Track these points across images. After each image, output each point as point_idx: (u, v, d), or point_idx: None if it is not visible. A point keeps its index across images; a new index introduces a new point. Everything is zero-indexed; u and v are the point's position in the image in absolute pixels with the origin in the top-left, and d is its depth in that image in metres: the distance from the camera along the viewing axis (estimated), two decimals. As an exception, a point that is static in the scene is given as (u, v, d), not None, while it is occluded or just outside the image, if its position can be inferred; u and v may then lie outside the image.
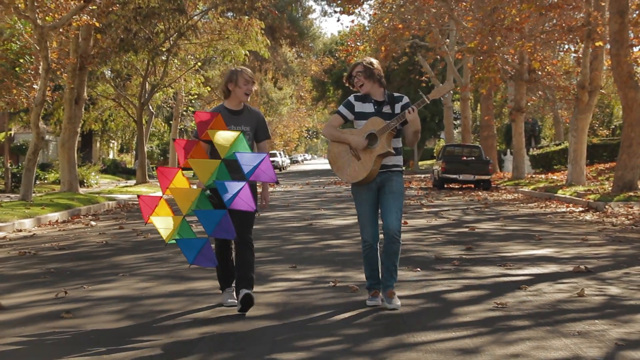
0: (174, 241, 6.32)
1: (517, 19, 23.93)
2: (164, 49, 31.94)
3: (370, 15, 40.39)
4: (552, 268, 8.75)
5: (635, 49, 22.65)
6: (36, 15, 19.47)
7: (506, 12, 24.10)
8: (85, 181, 32.61)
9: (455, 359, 4.99)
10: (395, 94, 6.83)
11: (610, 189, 20.17)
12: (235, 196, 6.06)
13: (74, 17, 20.07)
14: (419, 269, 8.64)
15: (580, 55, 25.00)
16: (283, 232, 13.47)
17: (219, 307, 6.74)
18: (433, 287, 7.61)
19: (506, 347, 5.27)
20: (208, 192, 6.32)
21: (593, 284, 7.64)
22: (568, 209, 17.98)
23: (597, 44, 22.82)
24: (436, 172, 29.71)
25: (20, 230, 15.06)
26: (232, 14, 36.31)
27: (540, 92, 33.01)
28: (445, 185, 29.41)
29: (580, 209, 17.93)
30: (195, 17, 32.58)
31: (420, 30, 32.89)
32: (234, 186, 6.10)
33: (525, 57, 28.81)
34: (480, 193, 25.51)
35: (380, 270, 6.71)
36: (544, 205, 19.57)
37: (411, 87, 47.64)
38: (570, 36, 25.83)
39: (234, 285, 6.74)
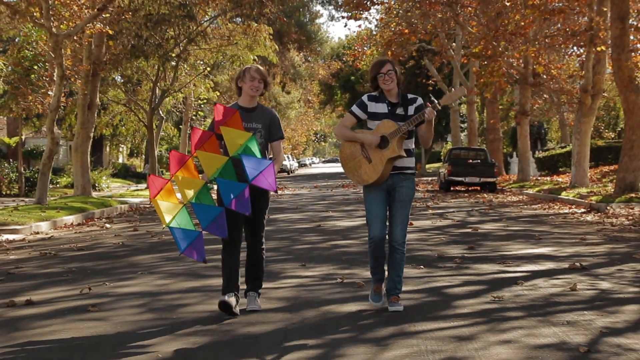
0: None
1: (522, 24, 24.37)
2: (174, 55, 32.43)
3: (377, 20, 40.88)
4: (548, 265, 9.20)
5: (636, 54, 23.00)
6: (51, 24, 20.02)
7: (510, 18, 24.52)
8: (97, 185, 33.15)
9: (451, 344, 5.46)
10: (410, 95, 6.79)
11: (612, 190, 20.58)
12: (235, 197, 6.20)
13: (87, 25, 20.61)
14: (422, 267, 9.10)
15: (584, 60, 25.44)
16: (292, 233, 13.94)
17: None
18: (434, 282, 8.07)
19: (499, 334, 5.74)
20: (211, 185, 6.48)
21: (586, 280, 8.09)
22: (570, 210, 18.40)
23: (599, 48, 23.24)
24: (442, 175, 30.15)
25: (38, 233, 15.56)
26: (240, 19, 36.80)
27: (545, 96, 33.41)
28: (452, 188, 29.85)
29: (582, 210, 18.35)
30: (205, 24, 33.07)
31: (426, 35, 33.34)
32: (235, 187, 6.24)
33: (530, 61, 29.23)
34: (485, 195, 25.95)
35: (386, 269, 6.81)
36: (547, 206, 19.99)
37: (418, 90, 48.05)
38: (574, 41, 26.26)
39: (229, 297, 6.50)
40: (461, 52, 37.66)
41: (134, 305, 7.17)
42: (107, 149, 57.82)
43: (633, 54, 20.88)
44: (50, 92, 22.83)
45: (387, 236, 6.76)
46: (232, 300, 6.46)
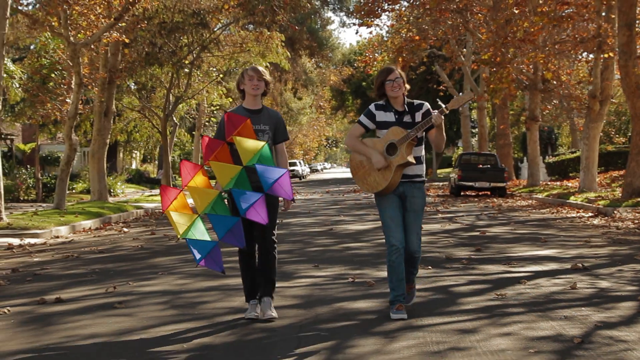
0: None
1: (532, 30, 24.72)
2: (187, 62, 32.90)
3: (387, 26, 41.31)
4: (552, 266, 9.59)
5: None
6: (69, 33, 20.54)
7: (519, 25, 24.89)
8: (112, 191, 33.65)
9: (455, 336, 5.86)
10: (415, 102, 6.78)
11: (620, 195, 20.91)
12: (250, 207, 6.17)
13: (104, 34, 21.12)
14: (430, 267, 9.50)
15: (592, 66, 25.80)
16: (305, 236, 14.36)
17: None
18: (441, 282, 8.46)
19: (500, 327, 6.15)
20: (225, 195, 6.48)
21: (586, 279, 8.48)
22: (578, 215, 18.76)
23: (606, 55, 23.60)
24: (453, 180, 30.53)
25: (58, 237, 16.02)
26: (253, 27, 37.26)
27: (555, 101, 33.74)
28: (462, 193, 30.22)
29: (590, 214, 18.70)
30: (218, 31, 33.54)
31: (437, 41, 33.73)
32: (250, 197, 6.21)
33: (539, 67, 29.58)
34: (495, 200, 26.32)
35: (404, 283, 6.73)
36: (555, 211, 20.34)
37: (429, 96, 48.43)
38: (583, 47, 26.61)
39: (255, 300, 6.81)
40: (472, 58, 38.03)
41: (157, 302, 7.60)
42: (121, 155, 58.37)
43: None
44: (68, 100, 23.35)
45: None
46: (254, 314, 6.68)
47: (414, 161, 6.66)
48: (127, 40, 23.46)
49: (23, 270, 10.41)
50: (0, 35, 17.06)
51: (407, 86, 6.74)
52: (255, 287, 6.79)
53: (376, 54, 42.17)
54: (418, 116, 6.69)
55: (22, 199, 29.06)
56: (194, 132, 48.62)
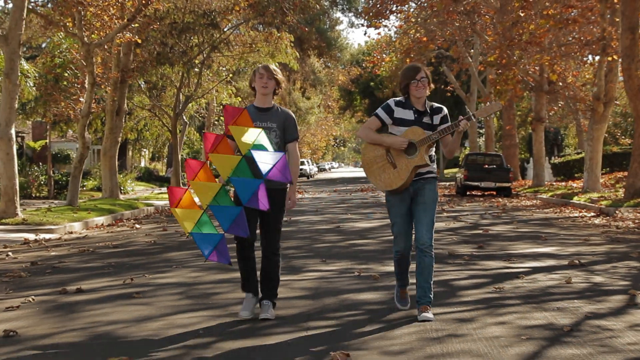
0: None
1: (538, 33, 25.08)
2: (197, 62, 33.35)
3: (396, 27, 41.67)
4: (550, 262, 9.99)
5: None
6: (83, 34, 21.01)
7: (524, 28, 25.25)
8: (122, 188, 34.09)
9: (453, 325, 6.27)
10: (435, 105, 6.70)
11: (623, 195, 21.28)
12: (252, 195, 6.14)
13: (117, 34, 21.59)
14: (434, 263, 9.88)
15: (596, 68, 26.18)
16: (313, 233, 14.78)
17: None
18: (443, 276, 8.87)
19: (496, 317, 6.55)
20: (229, 187, 6.53)
21: (582, 274, 8.88)
22: (580, 214, 19.13)
23: (610, 58, 23.96)
24: (459, 180, 30.93)
25: (72, 232, 16.47)
26: (262, 27, 37.68)
27: (561, 103, 34.09)
28: (468, 193, 30.61)
29: (592, 214, 19.08)
30: (228, 31, 33.97)
31: (444, 43, 34.12)
32: (250, 184, 6.17)
33: (545, 69, 29.94)
34: (500, 200, 26.71)
35: (408, 276, 6.87)
36: (558, 210, 20.72)
37: (437, 96, 48.81)
38: (588, 49, 26.98)
39: (251, 294, 6.75)
40: (479, 59, 38.41)
41: (172, 293, 8.02)
42: (130, 153, 58.90)
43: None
44: (81, 99, 23.84)
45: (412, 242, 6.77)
46: (247, 313, 6.63)
47: (430, 163, 6.63)
48: (139, 41, 23.92)
49: (42, 263, 10.85)
50: (17, 36, 17.52)
51: (432, 85, 6.67)
52: (252, 279, 6.71)
53: (384, 55, 42.56)
54: (436, 119, 6.62)
55: (34, 195, 29.55)
56: (203, 131, 49.08)
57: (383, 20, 32.98)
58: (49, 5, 24.95)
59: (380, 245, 12.27)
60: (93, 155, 47.72)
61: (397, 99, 6.72)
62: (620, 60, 23.89)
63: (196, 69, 34.15)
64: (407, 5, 34.55)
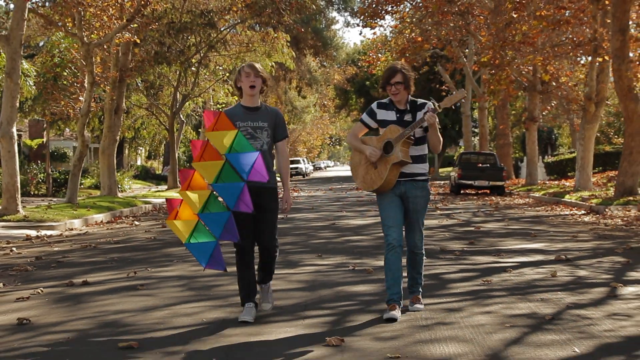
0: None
1: (531, 34, 25.44)
2: (194, 61, 33.69)
3: (391, 26, 42.03)
4: (537, 257, 10.37)
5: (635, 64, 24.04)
6: (83, 34, 21.36)
7: (517, 29, 25.63)
8: (120, 186, 34.44)
9: (442, 314, 6.65)
10: (419, 101, 6.71)
11: (613, 194, 21.67)
12: (237, 198, 6.09)
13: (117, 34, 21.94)
14: (425, 257, 10.26)
15: (588, 68, 26.59)
16: (309, 230, 15.16)
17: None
18: (434, 270, 9.24)
19: (482, 307, 6.93)
20: (216, 194, 6.38)
21: (567, 269, 9.25)
22: (570, 212, 19.51)
23: (600, 59, 24.35)
24: (453, 179, 31.31)
25: (72, 229, 16.83)
26: (259, 27, 38.02)
27: (554, 102, 34.48)
28: (462, 191, 30.98)
29: (583, 212, 19.46)
30: (225, 31, 34.31)
31: (439, 42, 34.48)
32: (233, 188, 6.13)
33: (538, 69, 30.32)
34: (493, 198, 27.10)
35: (400, 282, 6.65)
36: (550, 208, 21.11)
37: (432, 95, 48.94)
38: (581, 50, 27.36)
39: (251, 303, 6.63)
40: (474, 58, 38.76)
41: (175, 285, 8.39)
42: (126, 151, 59.21)
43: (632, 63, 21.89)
44: (81, 98, 24.19)
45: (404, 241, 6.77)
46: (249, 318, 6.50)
47: (409, 160, 6.58)
48: (138, 41, 24.26)
49: (46, 258, 11.21)
50: (19, 36, 17.86)
51: (412, 88, 6.68)
52: (252, 288, 6.66)
53: (380, 54, 42.88)
54: (419, 115, 6.60)
55: (32, 193, 29.91)
56: (200, 130, 49.43)
57: (378, 20, 33.32)
58: (47, 4, 25.31)
59: (374, 241, 12.64)
60: (90, 154, 48.02)
61: (381, 101, 6.83)
62: (611, 61, 24.30)
63: (193, 68, 34.49)
64: (402, 6, 34.87)
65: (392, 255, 6.58)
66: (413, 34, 34.20)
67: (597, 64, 25.42)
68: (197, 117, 49.50)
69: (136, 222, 18.10)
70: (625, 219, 16.70)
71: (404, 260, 6.73)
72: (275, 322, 6.40)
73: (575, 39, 27.59)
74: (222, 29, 33.74)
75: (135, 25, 23.04)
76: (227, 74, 38.65)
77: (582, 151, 26.12)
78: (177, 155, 38.11)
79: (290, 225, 15.94)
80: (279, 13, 29.77)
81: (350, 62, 68.19)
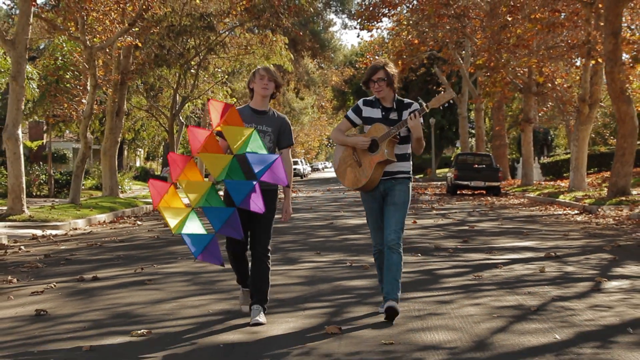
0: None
1: (526, 36, 25.86)
2: (194, 64, 34.05)
3: (388, 29, 42.40)
4: (528, 254, 10.80)
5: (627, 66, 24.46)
6: (86, 37, 21.78)
7: (512, 32, 26.04)
8: (121, 187, 34.82)
9: (433, 306, 7.07)
10: (406, 100, 6.67)
11: (606, 194, 22.10)
12: (246, 196, 6.00)
13: (118, 38, 22.36)
14: (419, 255, 10.71)
15: (582, 71, 27.02)
16: (307, 229, 15.59)
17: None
18: (428, 266, 9.66)
19: (472, 300, 7.35)
20: (219, 186, 6.38)
21: (555, 265, 9.67)
22: (564, 212, 19.94)
23: (592, 61, 24.78)
24: (449, 179, 31.74)
25: (76, 229, 17.23)
26: (257, 29, 38.41)
27: (550, 104, 34.91)
28: (458, 192, 31.40)
29: (576, 211, 19.88)
30: (224, 34, 34.69)
31: (435, 45, 34.91)
32: (244, 186, 6.04)
33: (533, 71, 30.76)
34: (489, 198, 27.53)
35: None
36: (544, 208, 21.54)
37: (429, 97, 49.58)
38: (575, 52, 27.80)
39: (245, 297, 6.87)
40: (471, 60, 39.21)
41: (181, 280, 8.81)
42: (126, 152, 59.59)
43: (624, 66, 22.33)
44: (83, 100, 24.62)
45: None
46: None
47: (394, 159, 6.54)
48: (139, 44, 24.66)
49: (54, 256, 11.62)
50: (24, 41, 18.27)
51: (396, 85, 6.65)
52: (246, 274, 6.79)
53: (377, 56, 43.29)
54: (405, 114, 6.56)
55: (34, 194, 30.27)
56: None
57: (376, 22, 33.73)
58: (49, 7, 25.70)
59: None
60: (91, 155, 48.34)
61: (367, 98, 6.74)
62: (604, 63, 24.72)
63: (192, 71, 34.85)
64: (399, 8, 35.29)
65: (378, 257, 6.85)
66: (410, 36, 34.63)
67: (591, 66, 25.85)
68: (196, 118, 49.88)
69: (138, 222, 18.51)
70: (617, 218, 17.12)
71: None
72: (277, 314, 6.81)
73: (569, 41, 28.04)
74: (221, 32, 34.11)
75: (137, 29, 23.45)
76: (226, 76, 39.05)
77: (576, 152, 26.56)
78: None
79: (289, 224, 16.35)
80: (277, 16, 30.20)
81: (348, 64, 68.58)
